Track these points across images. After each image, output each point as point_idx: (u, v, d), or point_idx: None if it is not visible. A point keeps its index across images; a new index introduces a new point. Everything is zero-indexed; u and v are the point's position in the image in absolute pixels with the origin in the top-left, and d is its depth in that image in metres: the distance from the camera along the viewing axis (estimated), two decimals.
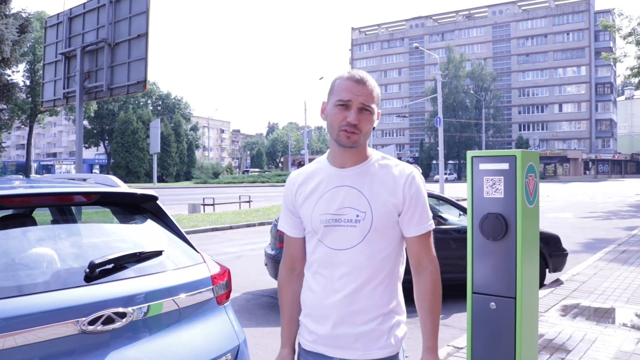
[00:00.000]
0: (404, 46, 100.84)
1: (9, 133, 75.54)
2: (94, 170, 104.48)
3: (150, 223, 2.88)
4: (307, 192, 2.03)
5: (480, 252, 3.33)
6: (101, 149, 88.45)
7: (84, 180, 3.29)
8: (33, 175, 74.99)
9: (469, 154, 3.39)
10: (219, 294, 2.84)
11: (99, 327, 2.19)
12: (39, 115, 59.64)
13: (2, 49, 12.99)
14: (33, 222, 2.88)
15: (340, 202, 1.95)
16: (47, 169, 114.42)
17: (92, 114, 69.96)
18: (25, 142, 69.72)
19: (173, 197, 34.61)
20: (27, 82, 57.28)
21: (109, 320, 2.23)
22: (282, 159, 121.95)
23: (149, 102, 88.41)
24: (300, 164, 75.66)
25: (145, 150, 72.35)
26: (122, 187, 2.92)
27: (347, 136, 1.91)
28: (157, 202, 2.94)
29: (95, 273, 2.33)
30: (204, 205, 23.96)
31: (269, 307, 7.02)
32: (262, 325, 6.16)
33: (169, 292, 2.54)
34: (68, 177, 3.63)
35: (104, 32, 15.35)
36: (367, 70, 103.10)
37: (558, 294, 7.17)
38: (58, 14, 17.37)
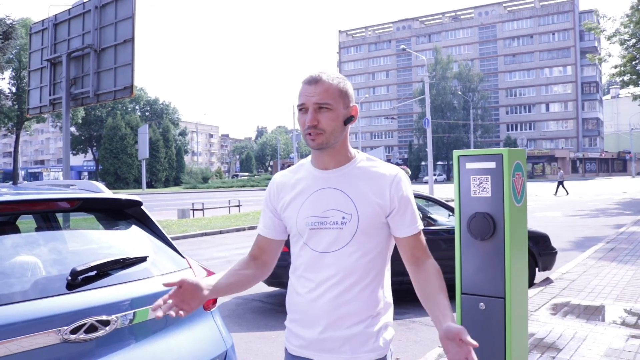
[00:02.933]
0: (391, 48, 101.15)
1: None
2: (82, 177, 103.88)
3: (134, 229, 2.84)
4: (292, 195, 2.00)
5: (468, 252, 3.31)
6: (89, 155, 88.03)
7: (68, 186, 3.24)
8: (19, 182, 74.24)
9: (456, 153, 3.37)
10: None
11: (81, 335, 2.14)
12: (25, 123, 59.20)
13: None
14: (16, 230, 2.83)
15: (325, 205, 1.92)
16: (35, 177, 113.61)
17: (80, 121, 69.53)
18: (12, 149, 69.08)
19: (162, 203, 34.45)
20: (13, 89, 56.86)
21: (92, 328, 2.18)
22: (271, 163, 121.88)
23: (137, 107, 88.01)
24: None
25: (134, 156, 72.03)
26: (106, 193, 2.88)
27: (312, 139, 1.87)
28: (142, 207, 2.90)
29: (77, 280, 2.28)
30: (193, 210, 23.88)
31: (259, 312, 6.99)
32: (253, 330, 6.13)
33: (155, 298, 2.45)
34: (53, 184, 3.59)
35: (90, 37, 15.26)
36: (355, 72, 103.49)
37: (548, 292, 7.19)
38: (43, 20, 17.26)
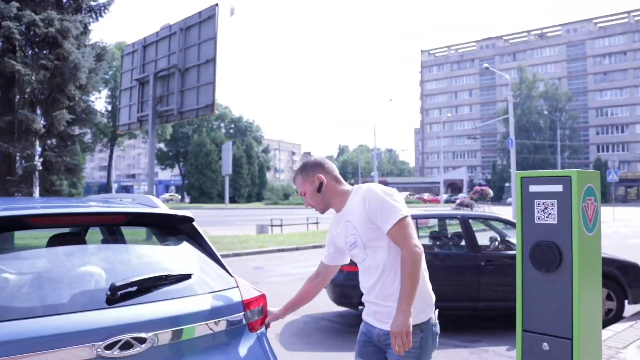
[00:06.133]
0: (474, 67, 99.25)
1: (92, 155, 79.28)
2: (169, 191, 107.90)
3: (184, 245, 2.83)
4: (336, 231, 2.86)
5: (531, 285, 2.99)
6: (176, 170, 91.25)
7: (130, 200, 3.31)
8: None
9: (518, 174, 3.09)
10: (251, 320, 2.73)
11: (115, 352, 2.12)
12: (118, 139, 62.40)
13: (79, 76, 13.67)
14: (72, 242, 2.86)
15: (346, 233, 2.77)
16: (127, 189, 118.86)
17: (168, 137, 72.35)
18: (107, 164, 72.82)
19: (243, 218, 35.14)
20: (109, 108, 60.14)
21: (127, 345, 2.16)
22: (352, 181, 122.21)
23: (221, 125, 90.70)
24: None
25: (217, 172, 73.97)
26: (160, 208, 2.90)
27: (316, 210, 2.87)
28: (193, 223, 2.88)
29: (117, 296, 2.27)
30: (272, 226, 24.16)
31: (327, 332, 6.93)
32: (319, 349, 6.07)
33: (196, 317, 2.45)
34: (115, 197, 3.67)
35: (175, 58, 15.89)
36: (437, 92, 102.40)
37: (639, 328, 6.70)
38: (134, 43, 18.15)
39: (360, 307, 6.97)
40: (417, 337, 2.55)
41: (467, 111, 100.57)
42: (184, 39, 15.95)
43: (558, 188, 2.91)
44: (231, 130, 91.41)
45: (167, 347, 2.32)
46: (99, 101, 76.10)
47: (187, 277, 2.62)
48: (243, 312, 2.69)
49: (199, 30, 15.48)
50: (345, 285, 6.85)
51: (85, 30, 15.28)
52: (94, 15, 17.63)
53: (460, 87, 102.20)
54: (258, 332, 2.78)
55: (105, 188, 73.67)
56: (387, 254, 2.63)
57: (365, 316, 2.82)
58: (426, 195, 72.52)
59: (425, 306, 2.65)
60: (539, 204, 3.00)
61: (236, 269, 12.06)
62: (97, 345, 2.10)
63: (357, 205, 2.67)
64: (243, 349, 2.63)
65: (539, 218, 3.00)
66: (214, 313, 2.54)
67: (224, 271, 2.84)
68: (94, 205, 2.86)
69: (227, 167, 59.88)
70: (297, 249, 17.17)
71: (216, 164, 74.67)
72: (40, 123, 13.61)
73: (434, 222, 8.63)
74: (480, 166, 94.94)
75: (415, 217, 7.39)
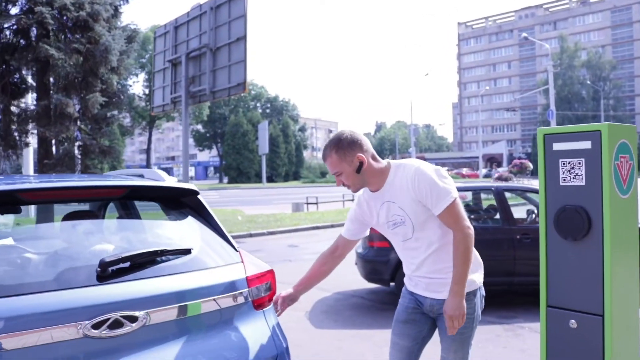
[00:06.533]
0: (513, 38, 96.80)
1: (132, 139, 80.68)
2: (208, 172, 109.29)
3: (188, 219, 2.70)
4: (369, 209, 2.78)
5: (556, 256, 2.73)
6: (214, 151, 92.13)
7: (140, 175, 3.22)
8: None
9: (540, 131, 2.79)
10: (256, 297, 2.59)
11: (104, 331, 2.01)
12: (156, 122, 63.25)
13: (110, 59, 13.76)
14: (81, 218, 2.76)
15: (388, 213, 2.68)
16: (167, 171, 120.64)
17: (205, 118, 72.95)
18: (146, 147, 73.97)
19: (280, 197, 35.30)
20: (146, 91, 60.91)
21: (116, 324, 2.04)
22: (390, 158, 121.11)
23: (258, 105, 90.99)
24: None
25: (255, 152, 74.36)
26: (166, 182, 2.80)
27: (350, 189, 2.68)
28: (198, 196, 2.75)
29: (107, 272, 2.14)
30: (307, 204, 24.18)
31: (357, 309, 6.85)
32: (348, 327, 5.99)
33: (195, 294, 2.32)
34: (127, 173, 3.59)
35: (206, 37, 15.90)
36: (475, 65, 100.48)
37: None
38: (165, 24, 18.21)
39: (391, 284, 6.87)
40: (471, 303, 2.65)
41: (506, 84, 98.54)
42: (214, 18, 15.92)
43: (586, 145, 2.56)
44: (267, 110, 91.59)
45: (161, 326, 2.19)
46: (137, 85, 77.17)
47: (187, 252, 2.48)
48: (247, 289, 2.55)
49: (229, 8, 15.42)
50: (376, 262, 6.75)
51: (116, 13, 15.36)
52: None
53: (498, 59, 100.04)
54: (265, 309, 2.64)
55: None
56: (439, 232, 2.61)
57: (413, 288, 2.82)
58: (465, 170, 71.50)
59: (477, 274, 2.73)
60: (564, 164, 2.69)
61: (270, 247, 12.07)
62: (83, 324, 1.98)
63: (404, 186, 2.58)
64: (247, 328, 2.49)
65: (564, 180, 2.71)
66: (214, 290, 2.41)
67: (229, 246, 2.71)
68: (90, 179, 2.74)
69: (263, 146, 60.16)
70: (332, 226, 17.12)
71: (253, 143, 75.08)
72: (74, 107, 13.77)
73: (468, 194, 8.42)
74: (520, 139, 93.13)
75: None
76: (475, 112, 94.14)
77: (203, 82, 16.27)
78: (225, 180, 79.90)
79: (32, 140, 16.09)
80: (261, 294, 2.63)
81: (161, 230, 2.77)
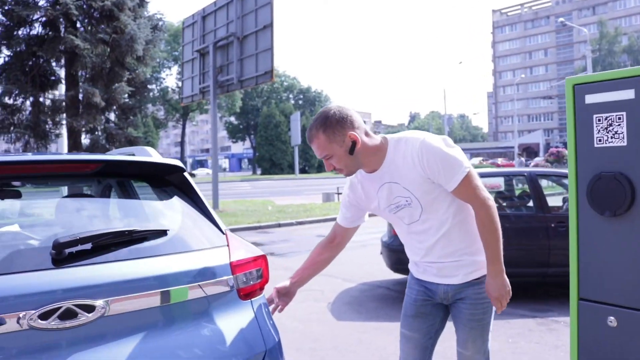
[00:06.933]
0: (549, 25, 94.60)
1: (166, 131, 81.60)
2: (242, 164, 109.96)
3: (172, 198, 2.44)
4: (365, 193, 2.43)
5: (590, 235, 2.18)
6: (248, 143, 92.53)
7: (131, 155, 2.93)
8: (190, 172, 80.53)
9: (568, 81, 2.22)
10: (242, 286, 2.28)
11: (53, 322, 1.73)
12: (190, 114, 63.71)
13: (135, 48, 13.74)
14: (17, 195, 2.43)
15: (389, 195, 2.33)
16: (201, 164, 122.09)
17: (238, 110, 73.21)
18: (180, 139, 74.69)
19: (312, 188, 35.15)
20: (179, 84, 61.39)
21: (69, 314, 1.75)
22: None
23: (290, 96, 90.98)
24: None
25: (287, 143, 74.42)
26: (152, 158, 2.53)
27: (342, 174, 2.31)
28: (184, 174, 2.47)
29: (63, 255, 1.86)
30: (338, 194, 23.95)
31: (382, 300, 6.59)
32: (371, 319, 5.73)
33: (167, 280, 2.03)
34: (119, 152, 3.35)
35: (233, 26, 15.82)
36: (510, 53, 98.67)
37: None
38: (193, 15, 18.20)
39: None
40: None
41: (543, 71, 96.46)
42: (241, 6, 15.83)
43: (628, 94, 2.02)
44: (300, 101, 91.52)
45: (124, 318, 1.91)
46: (170, 78, 77.97)
47: (163, 233, 2.19)
48: (231, 276, 2.25)
49: None
50: (402, 251, 6.42)
51: (142, 3, 15.34)
52: None
53: (534, 47, 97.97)
54: (253, 299, 2.34)
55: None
56: (451, 211, 2.29)
57: (421, 275, 2.50)
58: (500, 160, 70.22)
59: None
60: (599, 121, 2.10)
61: (298, 236, 11.82)
62: (28, 314, 1.69)
63: (408, 162, 2.21)
64: (230, 321, 2.18)
65: (600, 140, 2.12)
66: (191, 276, 2.12)
67: (215, 228, 2.41)
68: (64, 155, 2.49)
69: (296, 137, 60.13)
70: None
71: (286, 135, 75.13)
72: (99, 96, 13.79)
73: (500, 181, 8.06)
74: (558, 129, 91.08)
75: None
76: (510, 101, 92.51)
77: (231, 71, 16.22)
78: (259, 171, 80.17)
79: (63, 132, 16.24)
80: (249, 282, 2.33)
81: (139, 211, 2.52)
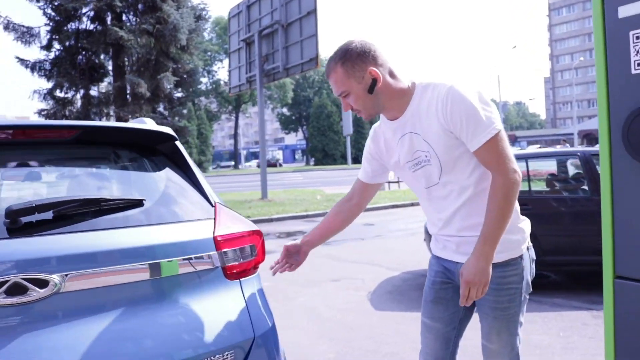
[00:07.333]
0: None
1: (219, 124, 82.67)
2: (296, 155, 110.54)
3: (159, 168, 2.24)
4: (386, 145, 2.18)
5: (626, 193, 1.58)
6: (300, 134, 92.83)
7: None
8: (243, 164, 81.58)
9: None
10: (229, 263, 2.05)
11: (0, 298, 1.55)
12: (242, 106, 64.34)
13: (178, 37, 13.79)
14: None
15: (410, 148, 2.05)
16: (255, 155, 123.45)
17: (290, 101, 73.45)
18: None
19: None
20: None
21: (17, 289, 1.57)
22: None
23: None
24: None
25: (339, 133, 74.14)
26: (147, 126, 2.30)
27: (361, 117, 2.07)
28: (176, 143, 2.28)
29: (19, 224, 1.68)
30: (389, 182, 23.64)
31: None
32: (411, 309, 5.45)
33: (136, 255, 1.82)
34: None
35: (277, 14, 15.75)
36: (567, 36, 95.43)
37: None
38: (239, 4, 18.22)
39: None
40: (517, 270, 2.05)
41: None
42: None
43: None
44: None
45: (83, 295, 1.70)
46: (222, 70, 78.79)
47: (138, 203, 1.99)
48: (215, 252, 2.02)
49: None
50: None
51: None
52: None
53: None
54: (243, 279, 2.10)
55: (233, 155, 76.53)
56: (475, 175, 1.99)
57: (440, 252, 2.19)
58: (558, 147, 68.28)
59: (524, 236, 2.09)
60: (638, 39, 1.52)
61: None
62: None
63: (432, 110, 1.94)
64: (213, 303, 1.96)
65: (639, 65, 1.53)
66: (166, 250, 1.90)
67: (203, 199, 2.19)
68: (39, 121, 2.25)
69: (347, 127, 59.66)
70: (412, 204, 16.48)
71: (338, 125, 74.91)
72: (144, 87, 13.95)
73: (552, 162, 7.60)
74: None
75: (525, 157, 6.47)
76: (569, 86, 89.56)
77: (276, 59, 16.19)
78: (312, 162, 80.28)
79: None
80: (239, 259, 2.09)
81: (120, 181, 2.30)
